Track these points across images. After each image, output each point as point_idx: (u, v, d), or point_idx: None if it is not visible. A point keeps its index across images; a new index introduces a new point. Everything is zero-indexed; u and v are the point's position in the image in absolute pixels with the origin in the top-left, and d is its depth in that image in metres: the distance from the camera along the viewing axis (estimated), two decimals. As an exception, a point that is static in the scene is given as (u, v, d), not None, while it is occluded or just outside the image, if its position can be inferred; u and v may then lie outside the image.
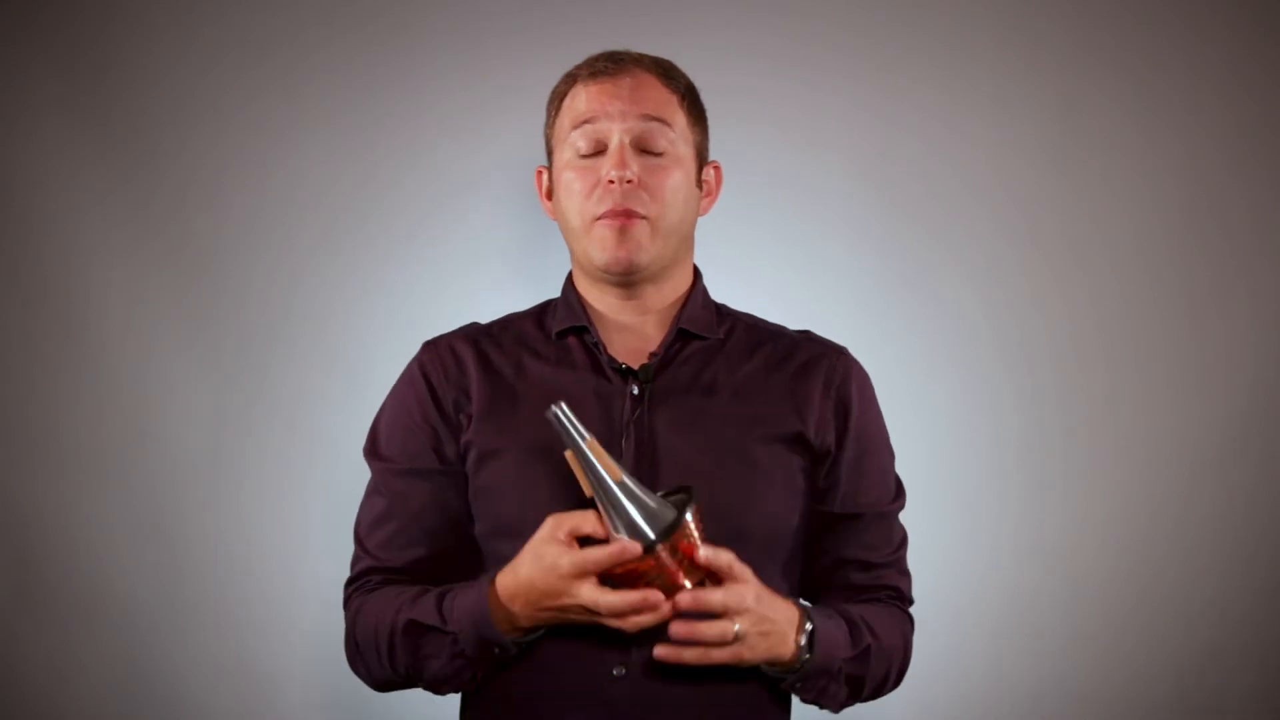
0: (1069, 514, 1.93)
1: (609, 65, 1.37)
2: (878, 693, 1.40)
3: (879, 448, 1.45)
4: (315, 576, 1.86)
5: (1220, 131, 1.95)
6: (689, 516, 1.19)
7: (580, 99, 1.37)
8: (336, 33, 1.89)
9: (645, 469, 1.31)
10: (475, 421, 1.36)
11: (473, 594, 1.27)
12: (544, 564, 1.21)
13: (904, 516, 1.50)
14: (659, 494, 1.23)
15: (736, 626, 1.21)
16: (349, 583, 1.41)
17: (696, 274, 1.45)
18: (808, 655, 1.27)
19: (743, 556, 1.29)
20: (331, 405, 1.86)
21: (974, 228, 1.94)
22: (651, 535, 1.18)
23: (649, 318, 1.40)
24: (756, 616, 1.23)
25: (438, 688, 1.34)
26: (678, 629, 1.20)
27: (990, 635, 1.91)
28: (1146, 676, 1.93)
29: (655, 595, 1.18)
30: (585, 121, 1.35)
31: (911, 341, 1.92)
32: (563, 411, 1.20)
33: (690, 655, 1.21)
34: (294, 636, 1.87)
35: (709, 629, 1.20)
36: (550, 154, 1.42)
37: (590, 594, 1.19)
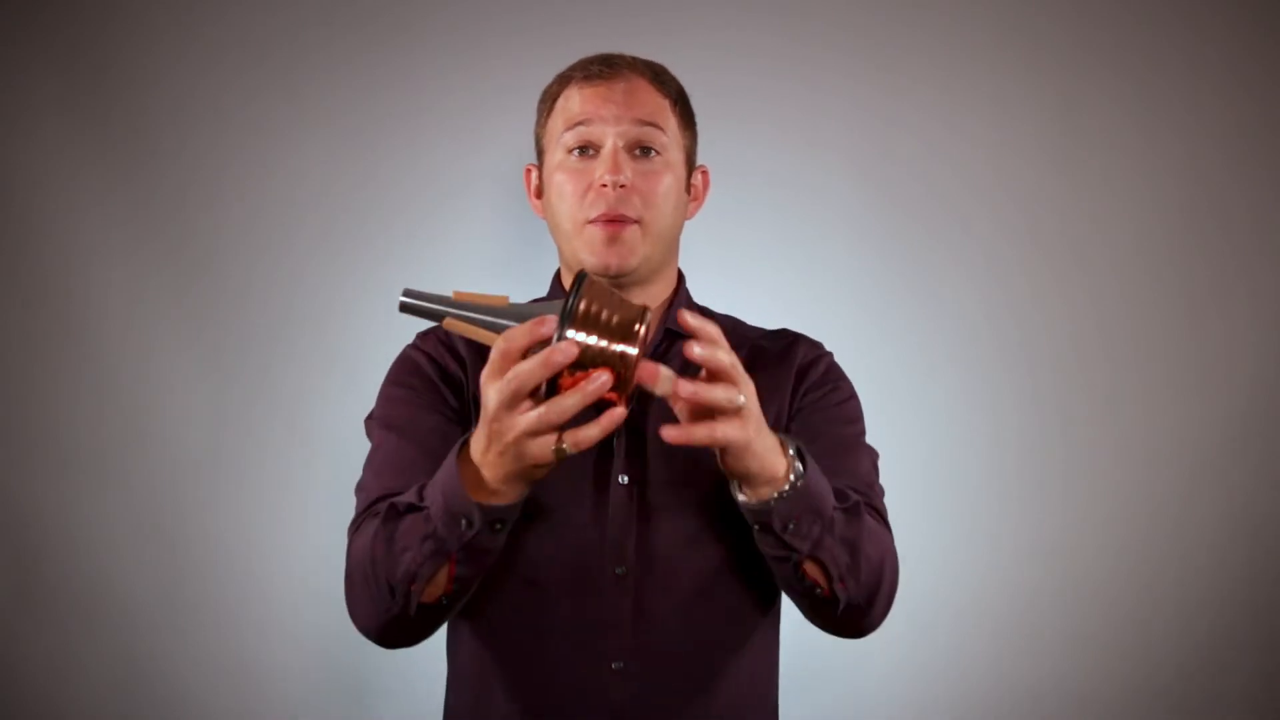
0: (1069, 514, 1.93)
1: (603, 69, 1.37)
2: (876, 589, 1.25)
3: (842, 390, 1.40)
4: (315, 576, 1.86)
5: (1220, 131, 1.95)
6: (582, 297, 1.06)
7: (574, 101, 1.37)
8: (336, 33, 1.89)
9: (638, 468, 1.32)
10: (476, 409, 1.35)
11: (446, 461, 1.16)
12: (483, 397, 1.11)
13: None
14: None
15: (741, 397, 1.09)
16: (353, 525, 1.30)
17: (680, 277, 1.46)
18: (801, 469, 1.16)
19: (742, 558, 1.30)
20: (331, 405, 1.87)
21: (974, 228, 1.94)
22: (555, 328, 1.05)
23: None
24: (752, 393, 1.11)
25: (408, 600, 1.19)
26: (685, 387, 1.07)
27: (990, 635, 1.92)
28: (1146, 676, 1.93)
29: (567, 349, 1.03)
30: (579, 124, 1.36)
31: (911, 341, 1.92)
32: (411, 295, 1.11)
33: (701, 433, 1.09)
34: (294, 636, 1.87)
35: (716, 389, 1.08)
36: (541, 153, 1.43)
37: (487, 379, 1.07)
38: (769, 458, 1.14)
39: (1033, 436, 1.93)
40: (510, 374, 1.05)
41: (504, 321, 1.10)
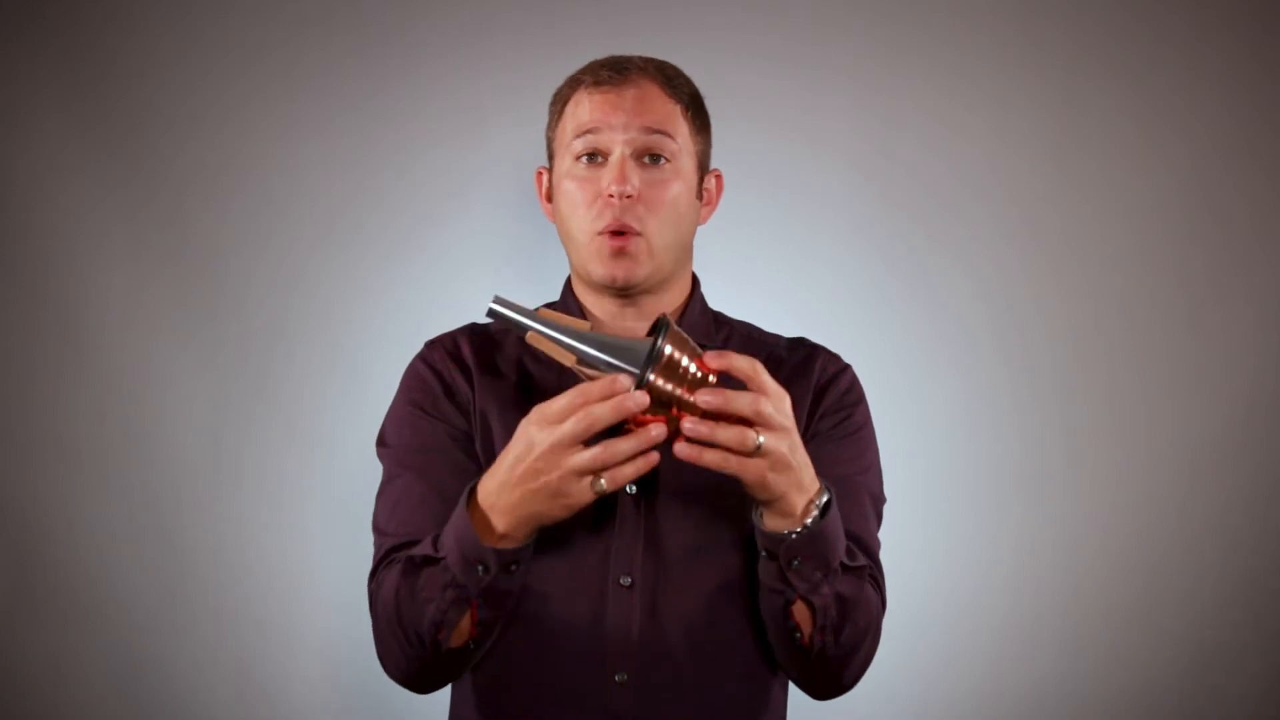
0: (1069, 514, 1.93)
1: (613, 75, 1.36)
2: (853, 653, 1.28)
3: (855, 418, 1.40)
4: (315, 576, 1.87)
5: (1220, 131, 1.95)
6: (666, 344, 1.09)
7: (583, 107, 1.36)
8: (336, 32, 1.89)
9: (647, 479, 1.30)
10: (480, 424, 1.36)
11: (456, 510, 1.20)
12: (517, 439, 1.14)
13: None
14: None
15: (761, 439, 1.11)
16: (371, 576, 1.31)
17: (695, 282, 1.45)
18: (819, 517, 1.18)
19: (749, 572, 1.29)
20: (331, 405, 1.87)
21: (974, 228, 1.94)
22: (637, 370, 1.09)
23: (647, 325, 1.40)
24: (790, 443, 1.13)
25: (437, 647, 1.22)
26: (692, 428, 1.10)
27: (990, 635, 1.91)
28: (1147, 676, 1.93)
29: (640, 400, 1.08)
30: (587, 131, 1.35)
31: (912, 342, 1.92)
32: (502, 304, 1.14)
33: (711, 458, 1.11)
34: (294, 636, 1.87)
35: (725, 432, 1.10)
36: (551, 156, 1.42)
37: (537, 425, 1.11)
38: (789, 496, 1.17)
39: (1033, 436, 1.93)
40: (584, 413, 1.09)
41: (583, 346, 1.13)
